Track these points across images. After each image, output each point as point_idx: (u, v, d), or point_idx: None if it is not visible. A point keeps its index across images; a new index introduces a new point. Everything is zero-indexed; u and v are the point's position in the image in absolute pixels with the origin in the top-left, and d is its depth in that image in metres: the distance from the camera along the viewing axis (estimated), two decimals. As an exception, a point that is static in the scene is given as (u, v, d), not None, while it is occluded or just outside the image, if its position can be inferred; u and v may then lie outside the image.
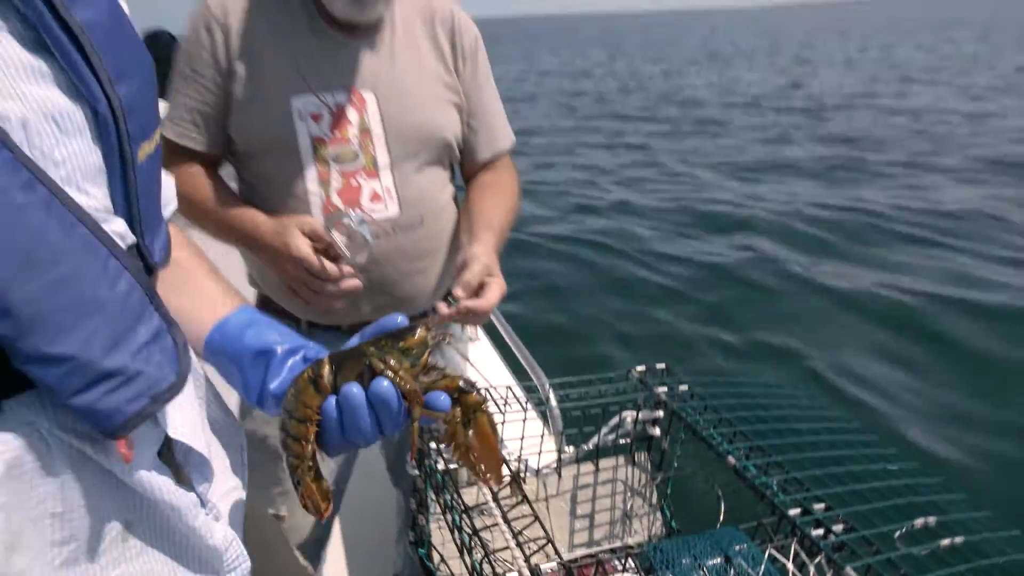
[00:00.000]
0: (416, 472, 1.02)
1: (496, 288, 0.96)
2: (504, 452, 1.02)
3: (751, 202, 7.18)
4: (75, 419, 0.48)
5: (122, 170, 0.52)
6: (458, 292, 0.94)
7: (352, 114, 1.08)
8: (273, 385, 0.63)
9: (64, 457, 0.49)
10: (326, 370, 0.56)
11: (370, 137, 1.09)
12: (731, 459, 0.95)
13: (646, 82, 20.16)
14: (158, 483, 0.54)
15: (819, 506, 0.90)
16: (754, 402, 1.08)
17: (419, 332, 0.57)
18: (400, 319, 0.59)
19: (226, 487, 0.62)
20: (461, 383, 0.56)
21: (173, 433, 0.57)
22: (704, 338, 4.26)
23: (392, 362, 0.55)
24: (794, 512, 0.88)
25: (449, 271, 1.20)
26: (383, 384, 0.54)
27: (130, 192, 0.53)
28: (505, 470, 0.95)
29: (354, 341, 0.60)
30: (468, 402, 0.56)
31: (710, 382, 1.11)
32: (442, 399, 0.55)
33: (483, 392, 0.59)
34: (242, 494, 0.66)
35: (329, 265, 0.99)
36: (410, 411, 0.54)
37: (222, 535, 0.59)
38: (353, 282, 1.00)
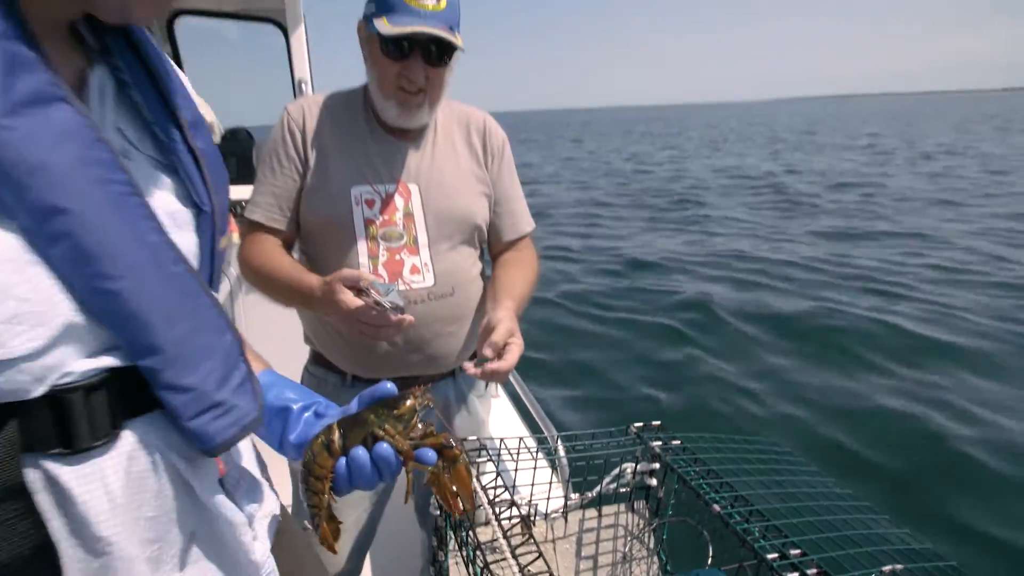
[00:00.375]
0: (437, 512, 1.14)
1: (516, 349, 1.13)
2: (516, 496, 1.15)
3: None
4: (179, 440, 0.62)
5: (211, 256, 0.68)
6: (485, 351, 1.10)
7: (399, 201, 1.29)
8: (292, 437, 0.79)
9: (164, 472, 0.61)
10: (336, 436, 0.72)
11: (413, 220, 1.29)
12: (716, 507, 1.06)
13: (650, 166, 21.87)
14: (221, 501, 0.67)
15: (795, 552, 1.01)
16: (740, 456, 1.20)
17: (409, 401, 0.73)
18: (390, 386, 0.75)
19: (266, 509, 0.76)
20: (443, 440, 0.72)
21: (240, 460, 0.72)
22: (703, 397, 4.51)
23: (389, 428, 0.71)
24: (772, 556, 1.00)
25: (475, 335, 1.38)
26: (384, 447, 0.70)
27: (213, 272, 0.69)
28: (515, 511, 1.08)
29: (354, 404, 0.76)
30: (448, 455, 0.72)
31: (698, 437, 1.23)
32: (429, 454, 0.71)
33: (461, 445, 0.74)
34: (278, 515, 0.79)
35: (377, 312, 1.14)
36: (404, 465, 0.71)
37: (261, 551, 0.71)
38: (404, 316, 1.14)
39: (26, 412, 0.52)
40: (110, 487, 0.56)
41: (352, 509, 1.38)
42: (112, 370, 0.56)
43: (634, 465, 1.24)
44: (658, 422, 1.25)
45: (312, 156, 1.28)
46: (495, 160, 1.40)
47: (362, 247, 1.27)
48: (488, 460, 1.14)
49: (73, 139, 0.53)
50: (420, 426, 0.73)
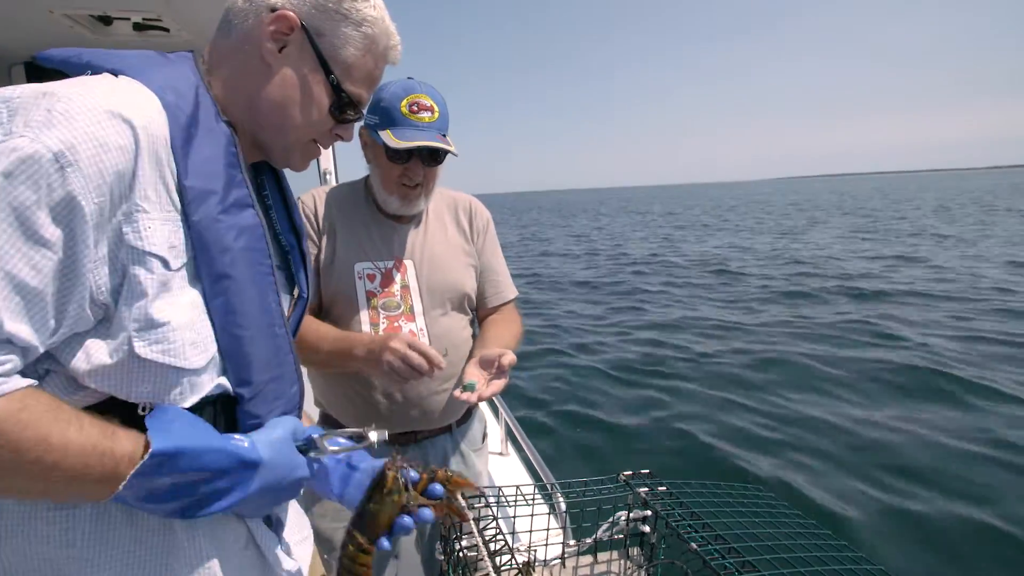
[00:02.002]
0: (442, 557, 1.25)
1: (510, 355, 1.29)
2: (516, 543, 1.25)
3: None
4: None
5: (296, 326, 0.91)
6: (480, 365, 1.30)
7: (397, 276, 1.48)
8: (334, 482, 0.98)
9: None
10: (362, 539, 0.88)
11: (409, 292, 1.48)
12: (694, 545, 1.15)
13: (622, 242, 23.88)
14: (271, 529, 0.83)
15: (767, 584, 1.08)
16: (722, 500, 1.29)
17: (388, 474, 0.90)
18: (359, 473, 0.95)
19: (300, 536, 0.91)
20: (437, 473, 0.93)
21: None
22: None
23: (391, 508, 0.89)
24: (745, 588, 1.07)
25: None
26: (401, 523, 0.88)
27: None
28: (516, 560, 1.18)
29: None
30: (442, 479, 0.93)
31: (683, 483, 1.33)
32: (425, 513, 0.90)
33: (446, 471, 0.94)
34: (311, 544, 0.94)
35: (418, 357, 1.30)
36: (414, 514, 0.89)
37: (292, 565, 0.87)
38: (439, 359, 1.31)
39: None
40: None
41: None
42: (221, 392, 0.78)
43: (627, 513, 1.33)
44: (647, 470, 1.35)
45: (323, 238, 1.49)
46: (480, 236, 1.62)
47: (365, 316, 1.45)
48: (487, 506, 1.25)
49: (249, 233, 0.79)
50: (409, 486, 0.90)
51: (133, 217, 0.66)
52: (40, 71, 2.22)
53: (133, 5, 1.96)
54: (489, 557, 1.13)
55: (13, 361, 0.61)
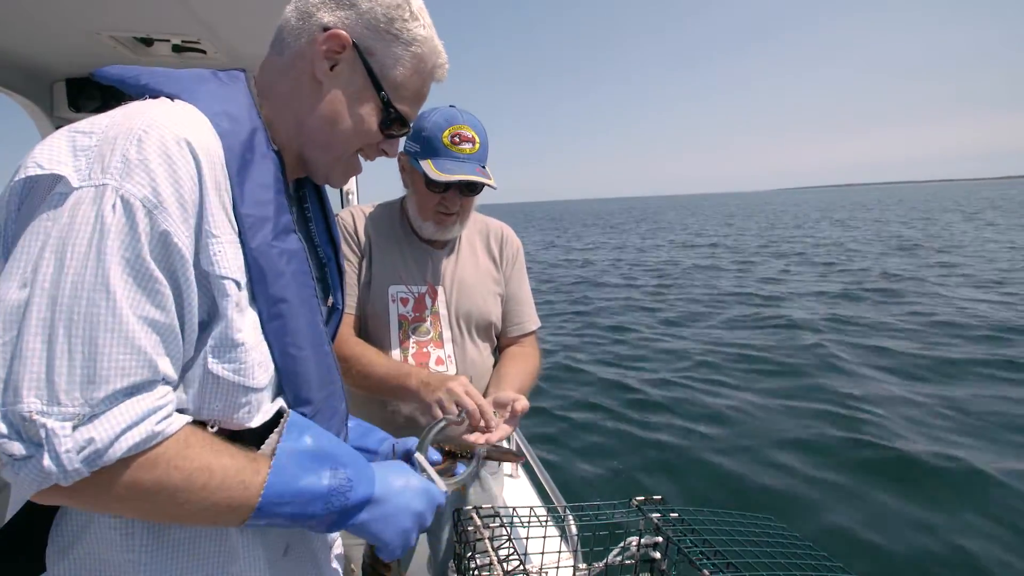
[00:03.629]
0: (456, 575, 1.27)
1: (523, 401, 1.32)
2: (528, 565, 1.27)
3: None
4: None
5: (331, 344, 0.93)
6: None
7: (428, 301, 1.53)
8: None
9: None
10: (381, 565, 1.02)
11: (439, 319, 1.52)
12: (706, 572, 1.16)
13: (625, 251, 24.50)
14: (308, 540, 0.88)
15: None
16: (734, 528, 1.30)
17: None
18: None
19: (332, 537, 0.94)
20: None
21: None
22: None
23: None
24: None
25: None
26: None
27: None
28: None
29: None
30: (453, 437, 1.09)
31: (695, 511, 1.34)
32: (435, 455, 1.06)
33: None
34: (341, 547, 0.98)
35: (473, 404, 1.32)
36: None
37: (335, 571, 0.90)
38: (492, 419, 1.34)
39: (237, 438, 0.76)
40: None
41: None
42: (279, 412, 0.82)
43: (639, 538, 1.34)
44: (659, 496, 1.36)
45: (362, 257, 1.53)
46: (509, 265, 1.65)
47: (395, 338, 1.49)
48: (501, 526, 1.28)
49: (296, 257, 0.82)
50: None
51: (208, 244, 0.70)
52: (81, 86, 2.29)
53: (174, 28, 2.04)
54: (500, 568, 1.15)
55: (171, 399, 0.67)
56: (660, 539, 1.34)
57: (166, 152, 0.66)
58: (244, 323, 0.73)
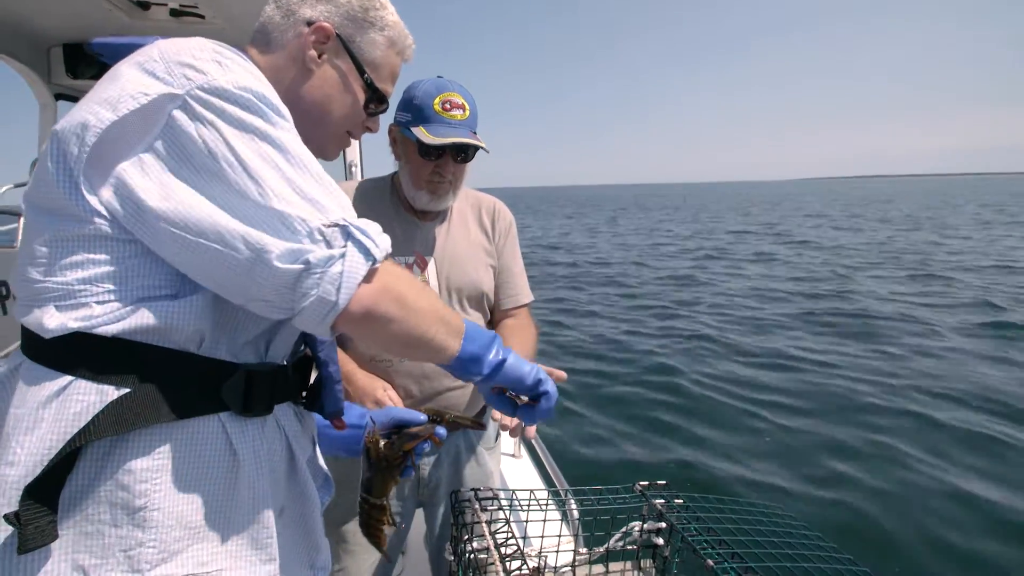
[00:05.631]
0: (452, 557, 1.24)
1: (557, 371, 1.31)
2: (527, 548, 1.23)
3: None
4: (296, 423, 0.90)
5: None
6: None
7: (418, 272, 1.48)
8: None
9: (286, 449, 0.86)
10: (375, 500, 1.07)
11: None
12: (710, 562, 1.12)
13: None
14: (311, 483, 0.85)
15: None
16: (740, 516, 1.26)
17: (370, 448, 1.05)
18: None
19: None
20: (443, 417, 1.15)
21: (317, 459, 0.99)
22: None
23: (384, 468, 1.06)
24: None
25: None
26: (419, 451, 1.06)
27: None
28: (526, 565, 1.17)
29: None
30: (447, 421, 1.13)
31: (700, 498, 1.30)
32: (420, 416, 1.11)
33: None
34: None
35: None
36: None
37: (325, 541, 0.91)
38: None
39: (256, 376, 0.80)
40: (258, 450, 0.80)
41: (370, 553, 1.49)
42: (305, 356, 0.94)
43: (641, 523, 1.31)
44: (663, 481, 1.32)
45: None
46: (502, 237, 1.62)
47: None
48: (499, 508, 1.24)
49: None
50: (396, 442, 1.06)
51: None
52: (78, 52, 2.23)
53: (171, -9, 1.97)
54: (500, 560, 1.12)
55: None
56: (663, 525, 1.31)
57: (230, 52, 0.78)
58: None
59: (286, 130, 0.74)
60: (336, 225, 0.71)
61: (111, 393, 0.70)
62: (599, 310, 10.71)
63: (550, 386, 1.02)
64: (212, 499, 0.75)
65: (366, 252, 0.72)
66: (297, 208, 0.69)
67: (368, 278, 0.72)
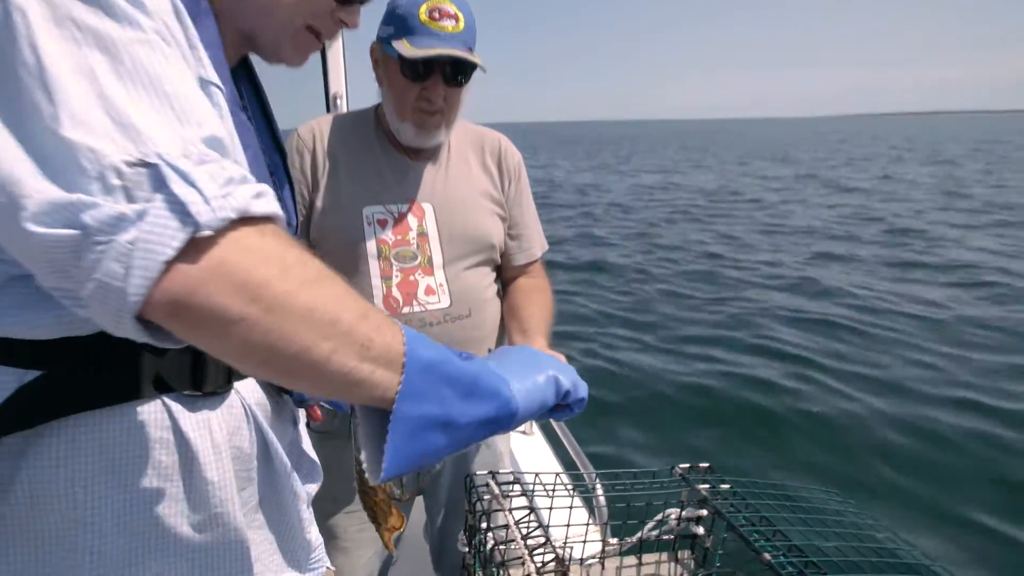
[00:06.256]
0: (466, 549, 1.09)
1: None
2: (551, 538, 1.08)
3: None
4: (267, 402, 0.72)
5: None
6: None
7: (412, 221, 1.29)
8: None
9: (255, 432, 0.68)
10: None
11: (427, 240, 1.29)
12: (767, 556, 0.97)
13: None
14: (291, 472, 0.70)
15: (856, 610, 0.91)
16: (795, 504, 1.10)
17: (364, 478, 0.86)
18: None
19: (307, 491, 0.79)
20: None
21: (300, 443, 0.80)
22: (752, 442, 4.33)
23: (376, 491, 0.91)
24: (830, 613, 0.90)
25: None
26: None
27: None
28: (550, 553, 1.02)
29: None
30: None
31: (749, 483, 1.14)
32: None
33: None
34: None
35: None
36: None
37: (316, 535, 0.75)
38: None
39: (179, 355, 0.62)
40: (215, 434, 0.63)
41: (364, 550, 1.35)
42: None
43: (679, 511, 1.16)
44: (706, 464, 1.17)
45: (323, 177, 1.29)
46: (511, 183, 1.40)
47: (374, 268, 1.26)
48: (523, 494, 1.09)
49: (249, 135, 0.66)
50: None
51: (197, 46, 0.58)
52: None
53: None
54: (529, 553, 0.97)
55: None
56: (704, 513, 1.15)
57: None
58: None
59: (139, 31, 0.50)
60: (142, 164, 0.45)
61: (9, 385, 0.55)
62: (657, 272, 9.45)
63: (581, 390, 0.76)
64: (162, 499, 0.61)
65: (181, 210, 0.44)
66: (95, 138, 0.45)
67: (189, 253, 0.44)
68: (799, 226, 12.92)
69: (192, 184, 0.45)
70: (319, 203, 1.29)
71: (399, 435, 0.52)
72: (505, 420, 0.61)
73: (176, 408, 0.61)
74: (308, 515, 0.77)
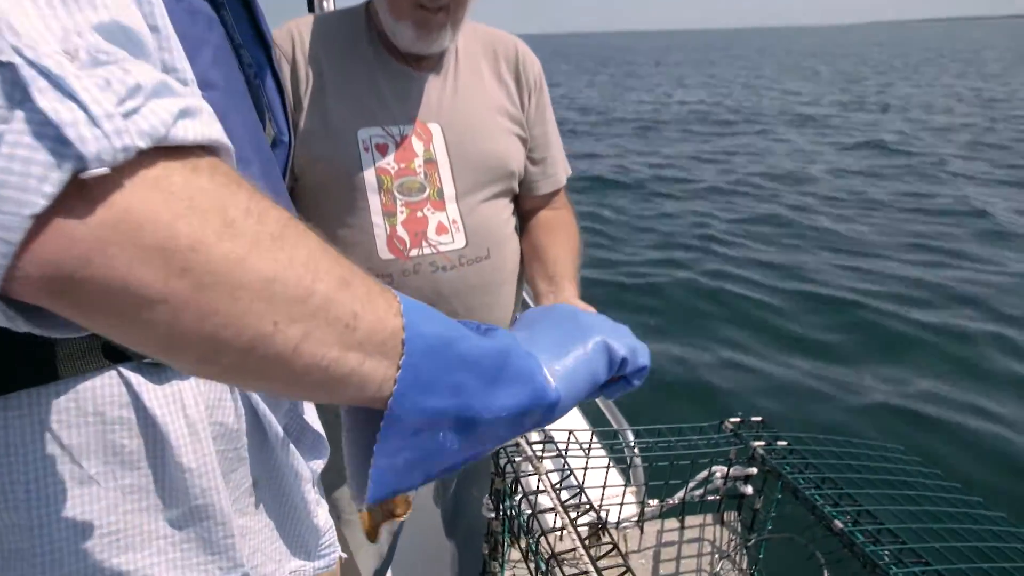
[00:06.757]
0: (492, 515, 0.97)
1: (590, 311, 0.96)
2: (584, 499, 0.97)
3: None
4: None
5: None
6: None
7: (418, 145, 1.09)
8: None
9: (242, 402, 0.57)
10: None
11: (436, 168, 1.10)
12: (838, 523, 0.86)
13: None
14: (291, 448, 0.61)
15: (941, 583, 0.80)
16: (861, 464, 0.99)
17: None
18: None
19: (311, 470, 0.68)
20: None
21: (303, 413, 0.66)
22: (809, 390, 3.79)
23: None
24: (913, 588, 0.79)
25: (512, 306, 1.20)
26: None
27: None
28: (587, 517, 0.91)
29: None
30: None
31: (809, 439, 1.03)
32: None
33: None
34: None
35: None
36: None
37: (325, 517, 0.65)
38: None
39: None
40: (189, 410, 0.52)
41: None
42: None
43: (726, 469, 1.05)
44: (759, 418, 1.05)
45: (306, 93, 1.07)
46: (531, 96, 1.19)
47: (375, 203, 1.06)
48: (558, 455, 0.97)
49: (213, 25, 0.54)
50: None
51: None
52: None
53: None
54: (570, 520, 0.85)
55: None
56: (754, 471, 1.05)
57: None
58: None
59: None
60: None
61: None
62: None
63: (641, 356, 0.58)
64: (128, 493, 0.49)
65: (55, 136, 0.28)
66: None
67: (72, 201, 0.28)
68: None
69: (71, 95, 0.28)
70: (302, 125, 1.08)
71: (391, 443, 0.39)
72: (543, 411, 0.46)
73: (136, 380, 0.48)
74: (314, 496, 0.64)
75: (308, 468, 0.64)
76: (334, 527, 0.68)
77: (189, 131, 0.31)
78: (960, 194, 7.98)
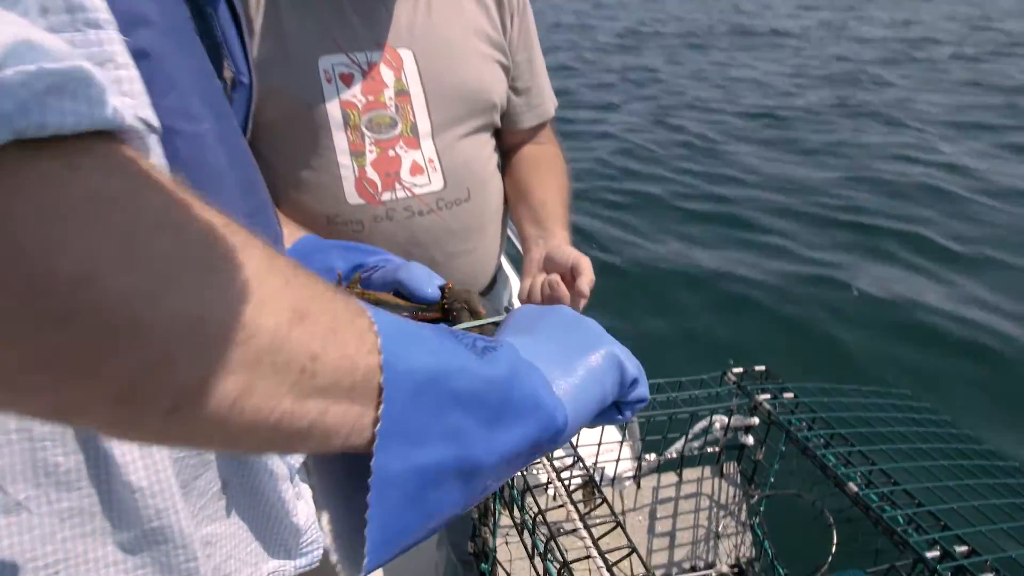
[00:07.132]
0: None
1: (588, 271, 0.85)
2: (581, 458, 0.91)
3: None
4: None
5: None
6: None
7: (387, 75, 0.94)
8: None
9: None
10: None
11: (409, 100, 0.95)
12: (852, 486, 0.81)
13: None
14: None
15: (961, 548, 0.76)
16: (870, 415, 0.94)
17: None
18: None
19: (289, 467, 0.60)
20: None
21: None
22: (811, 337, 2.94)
23: None
24: (933, 555, 0.75)
25: (495, 252, 1.09)
26: None
27: None
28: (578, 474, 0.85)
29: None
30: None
31: (816, 389, 0.97)
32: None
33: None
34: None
35: None
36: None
37: (305, 515, 0.59)
38: None
39: None
40: None
41: None
42: None
43: (726, 419, 0.99)
44: (762, 367, 0.98)
45: (259, 15, 0.91)
46: (514, 19, 1.04)
47: (340, 142, 0.92)
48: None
49: None
50: None
51: None
52: None
53: None
54: (557, 474, 0.80)
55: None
56: (756, 420, 0.99)
57: None
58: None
59: None
60: None
61: None
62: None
63: (643, 384, 0.47)
64: (68, 519, 0.41)
65: None
66: None
67: None
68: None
69: None
70: (255, 53, 0.93)
71: (388, 507, 0.30)
72: (549, 440, 0.38)
73: None
74: (292, 492, 0.57)
75: (284, 464, 0.56)
76: (316, 524, 0.61)
77: (65, 118, 0.20)
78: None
